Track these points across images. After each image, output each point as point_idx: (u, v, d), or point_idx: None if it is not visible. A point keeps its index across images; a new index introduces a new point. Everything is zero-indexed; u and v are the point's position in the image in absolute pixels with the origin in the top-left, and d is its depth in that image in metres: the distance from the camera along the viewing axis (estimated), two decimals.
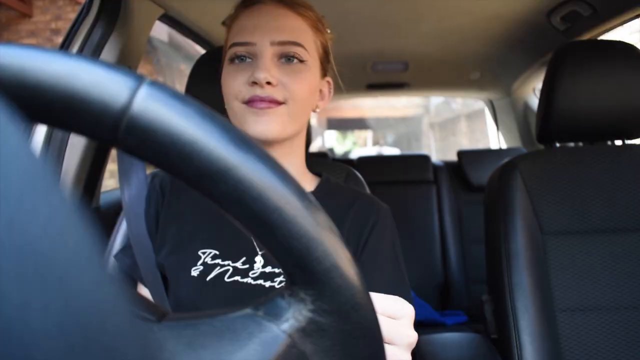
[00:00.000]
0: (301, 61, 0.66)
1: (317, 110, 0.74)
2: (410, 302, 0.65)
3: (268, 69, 0.63)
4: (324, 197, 0.72)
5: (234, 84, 0.65)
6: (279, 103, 0.64)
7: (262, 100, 0.63)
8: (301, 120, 0.68)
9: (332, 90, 0.77)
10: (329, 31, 0.74)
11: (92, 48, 0.92)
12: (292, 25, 0.66)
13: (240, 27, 0.67)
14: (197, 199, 0.70)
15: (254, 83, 0.63)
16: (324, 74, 0.74)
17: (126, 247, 0.71)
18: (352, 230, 0.69)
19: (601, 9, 1.19)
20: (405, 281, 0.68)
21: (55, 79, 0.19)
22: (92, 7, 0.93)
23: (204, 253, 0.66)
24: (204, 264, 0.65)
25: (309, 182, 0.75)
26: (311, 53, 0.68)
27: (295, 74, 0.65)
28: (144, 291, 0.67)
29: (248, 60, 0.66)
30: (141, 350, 0.16)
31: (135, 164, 0.69)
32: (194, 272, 0.64)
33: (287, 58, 0.65)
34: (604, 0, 1.16)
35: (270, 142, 0.66)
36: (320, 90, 0.74)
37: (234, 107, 0.66)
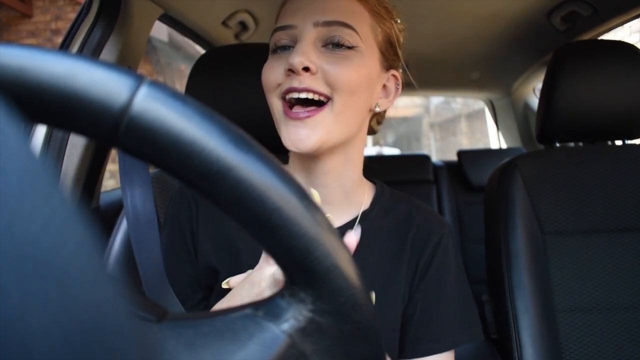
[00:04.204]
0: (350, 47, 0.55)
1: (378, 109, 0.62)
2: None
3: (305, 53, 0.53)
4: (384, 210, 0.65)
5: (272, 75, 0.56)
6: (321, 102, 0.54)
7: (298, 91, 0.53)
8: (352, 121, 0.57)
9: (399, 87, 0.65)
10: (398, 21, 0.65)
11: (92, 48, 0.92)
12: (343, 6, 0.56)
13: (284, 12, 0.59)
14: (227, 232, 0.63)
15: (290, 71, 0.54)
16: (388, 67, 0.63)
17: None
18: (415, 246, 0.63)
19: (601, 9, 1.19)
20: (472, 308, 0.64)
21: (55, 78, 0.19)
22: (92, 7, 0.93)
23: None
24: None
25: (366, 194, 0.66)
26: (366, 39, 0.57)
27: (341, 60, 0.55)
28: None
29: (290, 48, 0.57)
30: (141, 350, 0.16)
31: (137, 165, 0.66)
32: None
33: (335, 45, 0.55)
34: (605, 0, 1.16)
35: (314, 154, 0.56)
36: (384, 86, 0.63)
37: (272, 102, 0.58)
